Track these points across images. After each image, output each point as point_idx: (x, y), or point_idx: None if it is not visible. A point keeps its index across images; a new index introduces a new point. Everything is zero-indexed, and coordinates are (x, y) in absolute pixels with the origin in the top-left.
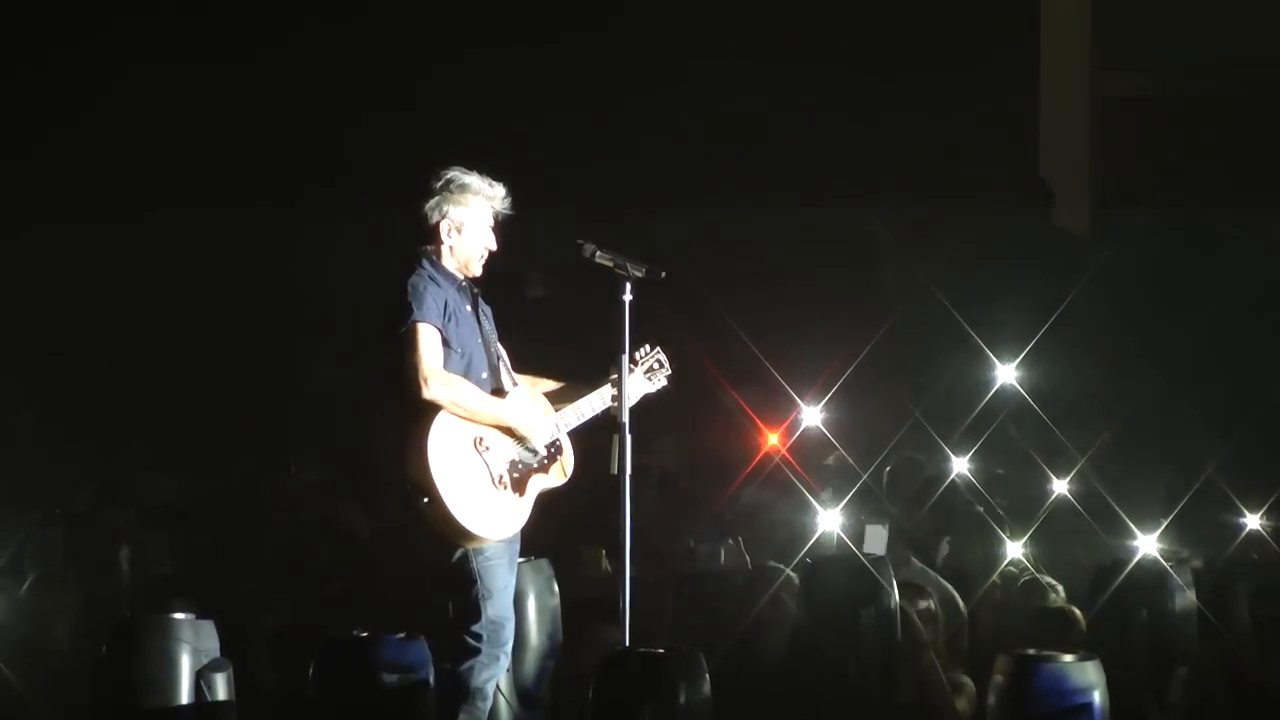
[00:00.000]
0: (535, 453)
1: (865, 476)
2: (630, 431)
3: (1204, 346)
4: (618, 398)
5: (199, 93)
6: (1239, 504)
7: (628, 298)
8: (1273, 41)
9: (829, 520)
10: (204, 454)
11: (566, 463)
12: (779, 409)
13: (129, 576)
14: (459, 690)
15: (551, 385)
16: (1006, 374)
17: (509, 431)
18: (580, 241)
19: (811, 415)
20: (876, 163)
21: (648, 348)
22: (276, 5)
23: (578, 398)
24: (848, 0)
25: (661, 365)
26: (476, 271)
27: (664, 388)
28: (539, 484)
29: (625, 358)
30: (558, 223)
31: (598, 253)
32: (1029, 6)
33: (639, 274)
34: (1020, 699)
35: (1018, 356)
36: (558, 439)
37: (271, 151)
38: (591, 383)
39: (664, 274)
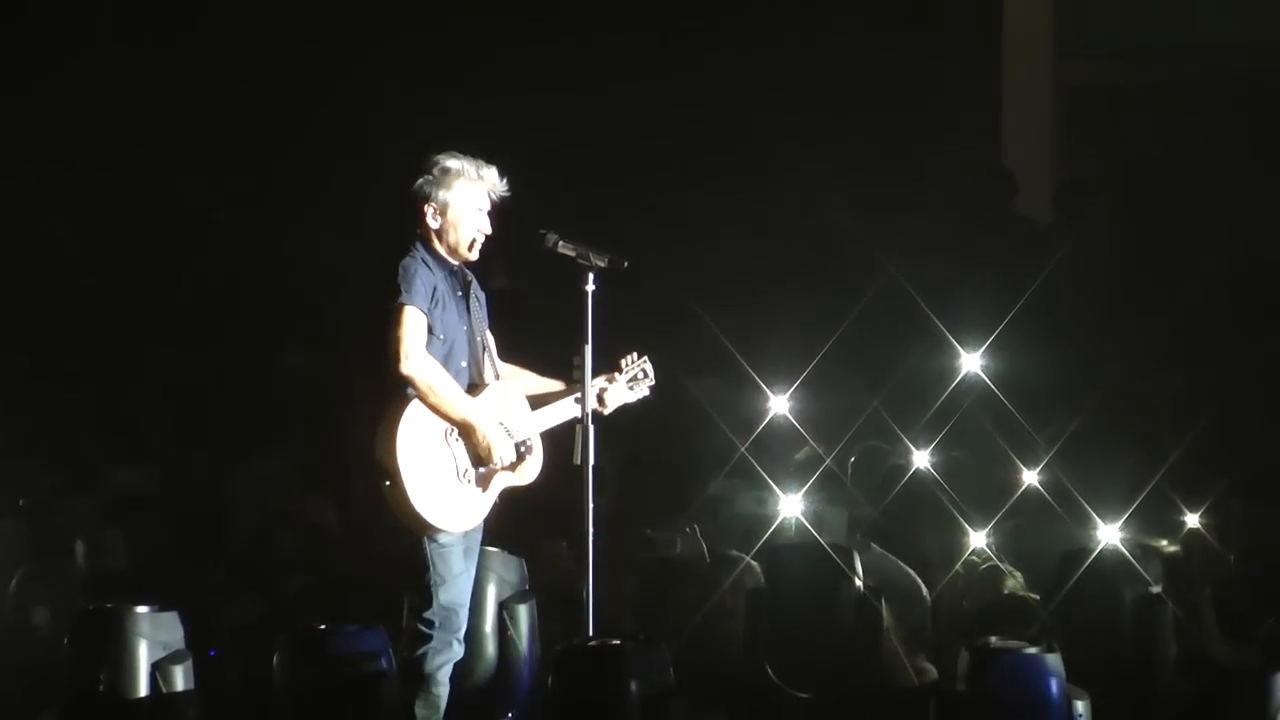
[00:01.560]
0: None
1: (829, 460)
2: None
3: (1168, 333)
4: (581, 387)
5: (170, 76)
6: (1199, 492)
7: (590, 288)
8: (1234, 27)
9: (789, 507)
10: (168, 446)
11: (535, 463)
12: (744, 398)
13: (92, 569)
14: (414, 677)
15: (536, 385)
16: (971, 362)
17: (470, 438)
18: (543, 231)
19: (779, 404)
20: (840, 150)
21: (634, 356)
22: None
23: (560, 399)
24: None
25: (646, 375)
26: (469, 256)
27: (645, 397)
28: (504, 481)
29: (589, 347)
30: (523, 212)
31: (560, 242)
32: None
33: (601, 264)
34: (982, 688)
35: (982, 345)
36: (528, 439)
37: (234, 140)
38: (576, 384)
39: (626, 263)
